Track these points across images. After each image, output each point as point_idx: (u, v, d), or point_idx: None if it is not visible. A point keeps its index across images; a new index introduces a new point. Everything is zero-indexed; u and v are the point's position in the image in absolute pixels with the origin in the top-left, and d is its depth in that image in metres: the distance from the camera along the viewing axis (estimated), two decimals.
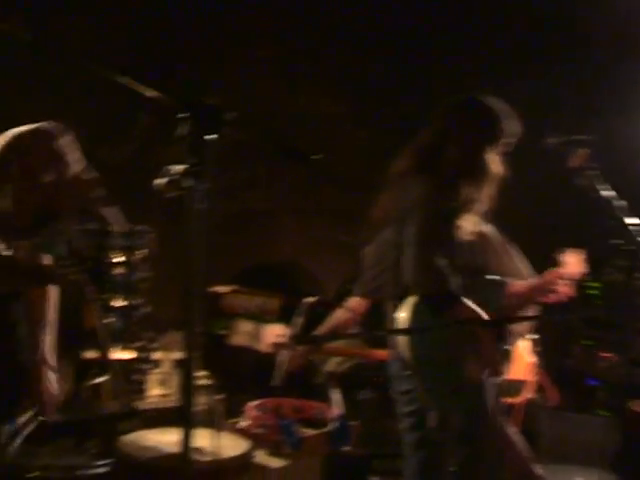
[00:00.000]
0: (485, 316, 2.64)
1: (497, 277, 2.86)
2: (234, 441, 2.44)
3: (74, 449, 2.16)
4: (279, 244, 5.15)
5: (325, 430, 2.79)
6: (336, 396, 3.99)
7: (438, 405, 2.66)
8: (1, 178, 2.38)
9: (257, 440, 2.53)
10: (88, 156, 4.91)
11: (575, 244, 2.88)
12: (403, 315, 2.64)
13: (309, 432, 2.73)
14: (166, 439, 1.75)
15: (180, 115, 1.74)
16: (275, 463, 2.50)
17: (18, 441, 2.13)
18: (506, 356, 2.77)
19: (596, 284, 4.83)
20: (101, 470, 1.95)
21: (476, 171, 2.68)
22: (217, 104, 1.80)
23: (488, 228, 2.92)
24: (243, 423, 2.76)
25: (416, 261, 2.57)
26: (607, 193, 2.53)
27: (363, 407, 4.05)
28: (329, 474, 2.91)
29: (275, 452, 2.54)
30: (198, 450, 1.89)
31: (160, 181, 1.79)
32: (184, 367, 1.79)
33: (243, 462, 2.27)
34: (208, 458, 1.91)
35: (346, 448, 2.99)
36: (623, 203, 2.52)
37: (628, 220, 2.47)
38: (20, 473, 1.86)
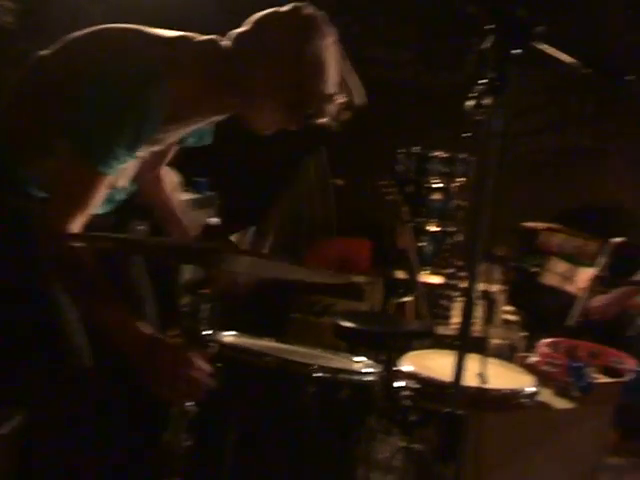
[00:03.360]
0: None
1: None
2: (518, 375, 2.37)
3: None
4: (607, 185, 4.82)
5: (620, 380, 2.61)
6: None
7: None
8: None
9: (544, 378, 2.44)
10: (412, 81, 5.01)
11: None
12: None
13: (602, 378, 2.58)
14: (448, 361, 1.76)
15: (486, 27, 1.67)
16: (560, 404, 2.40)
17: None
18: None
19: None
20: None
21: None
22: (526, 16, 1.69)
23: None
24: (533, 359, 2.68)
25: None
26: None
27: None
28: (622, 428, 2.75)
29: (562, 393, 2.44)
30: (477, 376, 1.87)
31: (469, 103, 1.74)
32: (467, 295, 1.76)
33: (519, 395, 2.21)
34: (481, 385, 1.88)
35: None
36: None
37: None
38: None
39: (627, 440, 3.38)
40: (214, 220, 4.06)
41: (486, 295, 3.95)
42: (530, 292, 4.13)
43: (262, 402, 1.98)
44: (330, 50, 1.82)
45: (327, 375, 1.95)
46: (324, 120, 1.88)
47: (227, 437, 1.90)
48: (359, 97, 1.92)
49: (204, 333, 1.79)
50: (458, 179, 4.38)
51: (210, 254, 1.73)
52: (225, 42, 1.87)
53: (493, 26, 1.68)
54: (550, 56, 1.68)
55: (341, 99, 1.87)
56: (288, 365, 1.98)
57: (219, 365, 1.80)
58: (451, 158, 4.36)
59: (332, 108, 1.86)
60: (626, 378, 2.67)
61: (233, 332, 2.20)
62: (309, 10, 1.84)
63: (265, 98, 1.85)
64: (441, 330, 3.68)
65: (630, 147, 4.80)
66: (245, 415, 1.93)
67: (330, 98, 1.84)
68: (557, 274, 4.11)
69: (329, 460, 2.01)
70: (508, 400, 2.20)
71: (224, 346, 2.01)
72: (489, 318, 3.94)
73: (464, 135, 1.85)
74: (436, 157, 4.38)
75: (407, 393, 2.20)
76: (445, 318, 3.95)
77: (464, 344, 1.73)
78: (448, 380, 1.74)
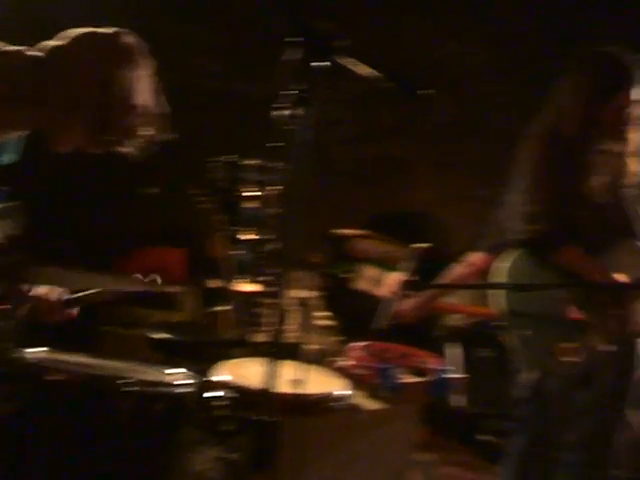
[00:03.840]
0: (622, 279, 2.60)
1: None
2: (331, 379, 2.44)
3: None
4: (414, 194, 5.07)
5: (425, 379, 2.76)
6: (455, 351, 3.92)
7: (534, 364, 2.61)
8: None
9: (357, 381, 2.53)
10: (223, 90, 5.01)
11: None
12: (504, 265, 2.58)
13: (409, 379, 2.71)
14: (262, 369, 1.77)
15: (289, 39, 1.71)
16: (370, 405, 2.49)
17: None
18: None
19: None
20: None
21: (605, 125, 2.59)
22: (329, 30, 1.75)
23: (631, 190, 2.76)
24: (344, 363, 2.76)
25: (515, 208, 2.60)
26: None
27: (480, 365, 3.97)
28: (431, 424, 2.90)
29: (373, 395, 2.54)
30: (291, 383, 1.90)
31: (277, 113, 1.77)
32: (278, 302, 1.79)
33: (331, 399, 2.27)
34: (294, 391, 1.92)
35: (451, 401, 2.95)
36: None
37: None
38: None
39: (436, 436, 3.56)
40: (15, 232, 3.85)
41: (301, 302, 4.02)
42: (342, 297, 4.24)
43: (72, 419, 1.91)
44: (142, 81, 1.80)
45: (140, 388, 1.92)
46: (126, 149, 1.86)
47: (38, 455, 1.83)
48: (165, 132, 1.91)
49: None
50: (273, 187, 4.41)
51: (10, 268, 1.65)
52: (35, 52, 1.81)
53: (299, 39, 1.72)
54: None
55: (146, 131, 1.85)
56: (99, 380, 1.93)
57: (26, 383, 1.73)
58: (265, 166, 4.39)
59: (136, 138, 1.84)
60: (432, 377, 2.82)
61: (43, 348, 2.11)
62: (129, 38, 1.82)
63: (66, 114, 1.80)
64: (256, 338, 3.70)
65: (434, 156, 5.07)
66: (55, 432, 1.86)
67: (134, 128, 1.82)
68: (367, 279, 4.25)
69: (145, 474, 1.98)
70: (321, 404, 2.25)
71: (32, 363, 1.93)
72: (305, 324, 4.01)
73: (273, 144, 1.88)
74: (250, 165, 4.39)
75: (222, 403, 2.20)
76: (260, 326, 3.97)
77: (277, 351, 1.75)
78: (262, 388, 1.76)
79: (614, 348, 2.56)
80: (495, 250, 3.15)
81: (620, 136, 2.64)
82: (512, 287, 2.58)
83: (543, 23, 4.94)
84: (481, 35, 4.99)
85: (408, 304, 3.61)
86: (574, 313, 2.55)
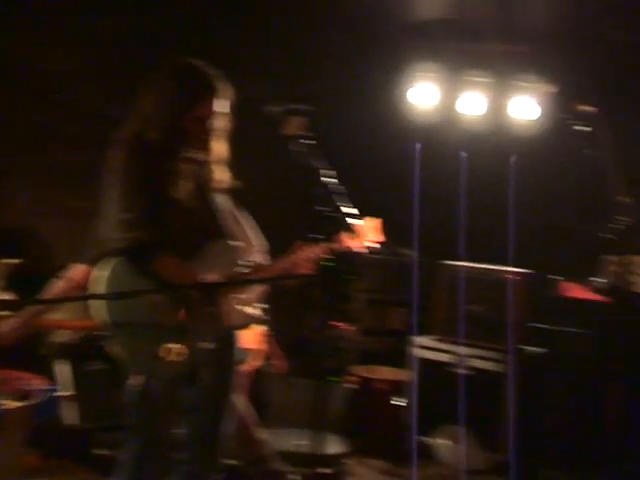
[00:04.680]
0: (215, 278, 2.70)
1: (233, 243, 2.85)
2: None
3: None
4: (10, 206, 4.81)
5: (29, 403, 2.64)
6: (64, 368, 3.81)
7: (139, 370, 2.65)
8: None
9: None
10: None
11: (289, 210, 2.94)
12: (103, 274, 2.60)
13: (11, 404, 2.57)
14: None
15: None
16: None
17: None
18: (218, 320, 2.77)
19: (332, 256, 4.99)
20: None
21: (187, 134, 2.70)
22: None
23: (219, 195, 2.91)
24: None
25: (111, 217, 2.61)
26: (318, 162, 2.62)
27: (91, 379, 3.91)
28: (42, 447, 2.79)
29: None
30: None
31: None
32: None
33: None
34: None
35: (63, 419, 2.87)
36: (332, 172, 2.61)
37: (335, 188, 2.59)
38: None
39: (49, 459, 3.43)
40: None
41: None
42: None
43: None
44: None
45: None
46: None
47: None
48: None
49: None
50: None
51: None
52: None
53: None
54: None
55: None
56: None
57: None
58: None
59: None
60: (38, 399, 2.71)
61: None
62: None
63: None
64: None
65: (34, 172, 4.87)
66: None
67: None
68: None
69: None
70: None
71: None
72: None
73: None
74: None
75: None
76: None
77: None
78: None
79: (213, 345, 2.69)
80: (96, 261, 3.13)
81: (203, 145, 2.77)
82: (112, 296, 2.58)
83: (144, 32, 5.01)
84: (65, 41, 4.91)
85: (7, 325, 3.43)
86: (177, 316, 2.63)
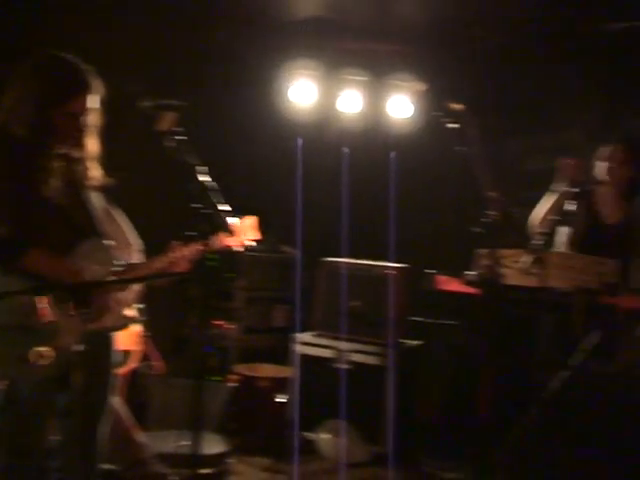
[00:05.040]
0: (88, 278, 2.63)
1: (107, 242, 2.77)
2: None
3: None
4: None
5: None
6: None
7: (3, 373, 2.56)
8: None
9: None
10: None
11: (164, 208, 2.90)
12: None
13: None
14: None
15: None
16: None
17: None
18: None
19: (214, 255, 4.95)
20: None
21: (58, 130, 2.62)
22: None
23: (92, 193, 2.82)
24: None
25: None
26: (191, 158, 2.58)
27: None
28: None
29: None
30: None
31: None
32: None
33: None
34: None
35: None
36: (204, 168, 2.58)
37: (209, 185, 2.56)
38: None
39: None
40: None
41: None
42: None
43: None
44: None
45: None
46: None
47: None
48: None
49: None
50: None
51: None
52: None
53: None
54: None
55: None
56: None
57: None
58: None
59: None
60: None
61: None
62: None
63: None
64: None
65: None
66: None
67: None
68: None
69: None
70: None
71: None
72: None
73: None
74: None
75: None
76: None
77: None
78: None
79: (83, 347, 2.61)
80: None
81: (76, 142, 2.68)
82: None
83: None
84: None
85: None
86: (48, 316, 2.53)
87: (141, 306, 3.54)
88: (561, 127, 5.34)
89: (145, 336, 3.80)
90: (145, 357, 3.96)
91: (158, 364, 4.11)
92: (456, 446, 4.13)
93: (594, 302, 3.32)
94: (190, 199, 2.49)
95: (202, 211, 2.49)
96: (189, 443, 2.56)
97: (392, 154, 5.30)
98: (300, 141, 5.23)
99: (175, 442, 3.60)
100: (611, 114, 5.15)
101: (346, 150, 5.36)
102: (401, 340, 4.74)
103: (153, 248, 2.98)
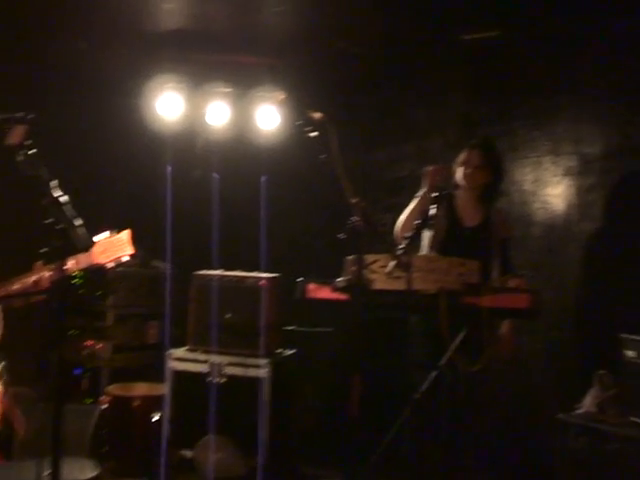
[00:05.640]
0: None
1: None
2: None
3: None
4: None
5: None
6: None
7: None
8: None
9: None
10: None
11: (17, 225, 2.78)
12: None
13: None
14: None
15: None
16: None
17: None
18: None
19: (80, 273, 4.80)
20: None
21: None
22: None
23: None
24: None
25: None
26: (44, 172, 2.48)
27: None
28: None
29: None
30: None
31: None
32: None
33: None
34: None
35: None
36: (55, 182, 2.49)
37: (62, 198, 2.47)
38: None
39: None
40: None
41: None
42: None
43: None
44: None
45: None
46: None
47: None
48: None
49: None
50: None
51: None
52: None
53: None
54: None
55: None
56: None
57: None
58: None
59: None
60: None
61: None
62: None
63: None
64: None
65: None
66: None
67: None
68: None
69: None
70: None
71: None
72: None
73: None
74: None
75: None
76: None
77: None
78: None
79: None
80: None
81: None
82: None
83: None
84: None
85: None
86: None
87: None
88: (423, 135, 5.52)
89: (6, 396, 3.57)
90: (5, 417, 3.70)
91: (19, 426, 3.86)
92: (332, 452, 4.15)
93: (458, 302, 3.41)
94: (44, 215, 2.39)
95: (56, 227, 2.39)
96: (52, 471, 2.44)
97: (262, 165, 5.31)
98: (169, 153, 5.16)
99: (37, 471, 3.42)
100: (468, 121, 5.36)
101: (216, 161, 5.33)
102: (276, 350, 4.74)
103: (8, 268, 2.85)
